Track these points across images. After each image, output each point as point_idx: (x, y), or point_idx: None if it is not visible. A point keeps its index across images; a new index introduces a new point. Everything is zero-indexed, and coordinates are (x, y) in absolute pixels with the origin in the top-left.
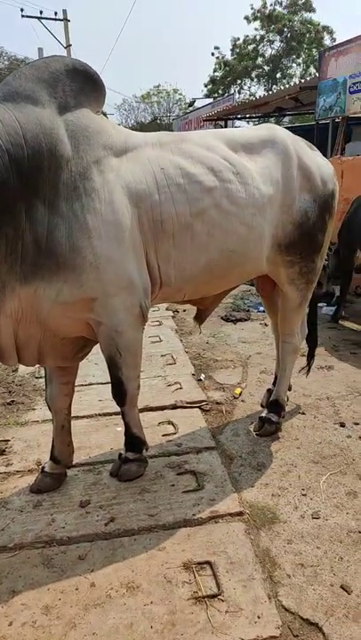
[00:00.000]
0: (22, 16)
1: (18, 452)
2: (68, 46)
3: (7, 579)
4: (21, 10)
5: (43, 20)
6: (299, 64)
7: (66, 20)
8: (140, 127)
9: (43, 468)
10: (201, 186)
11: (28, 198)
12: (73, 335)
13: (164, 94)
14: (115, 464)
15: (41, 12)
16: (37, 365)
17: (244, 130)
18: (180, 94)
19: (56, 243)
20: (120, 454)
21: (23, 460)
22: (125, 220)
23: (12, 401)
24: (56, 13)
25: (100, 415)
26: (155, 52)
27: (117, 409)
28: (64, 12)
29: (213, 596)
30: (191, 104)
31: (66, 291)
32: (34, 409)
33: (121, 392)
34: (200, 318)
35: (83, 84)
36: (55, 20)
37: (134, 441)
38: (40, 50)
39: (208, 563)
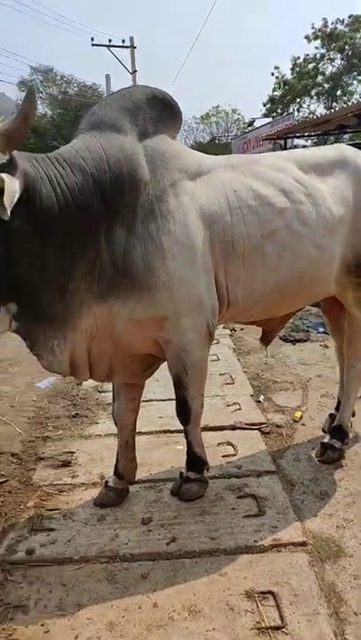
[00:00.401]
0: (92, 45)
1: (82, 465)
2: (133, 72)
3: (73, 591)
4: (92, 39)
5: (111, 48)
6: (360, 81)
7: (132, 46)
8: (199, 147)
9: (107, 482)
10: (272, 207)
11: (108, 220)
12: (142, 352)
13: (222, 114)
14: (176, 483)
15: (110, 41)
16: (102, 381)
17: (314, 150)
18: (239, 114)
19: (132, 263)
20: (181, 473)
21: (87, 473)
22: (198, 241)
23: (77, 414)
24: (123, 41)
25: (160, 432)
26: (215, 74)
27: (178, 426)
28: (131, 39)
29: (277, 628)
30: (251, 124)
31: (139, 309)
32: (97, 422)
33: (185, 411)
34: (266, 340)
35: (161, 112)
36: (122, 47)
37: (196, 461)
38: (107, 76)
39: (271, 593)
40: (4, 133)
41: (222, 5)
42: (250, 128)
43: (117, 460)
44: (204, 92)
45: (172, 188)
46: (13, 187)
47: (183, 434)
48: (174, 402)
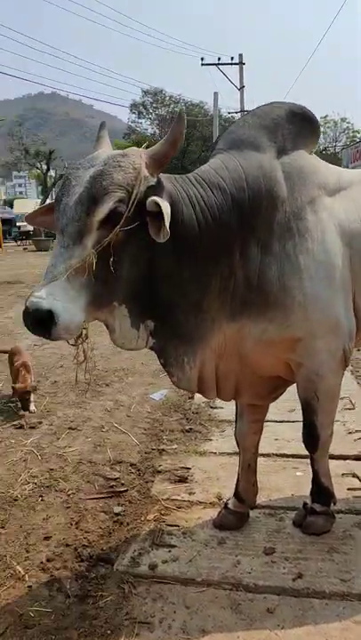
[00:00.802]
0: (202, 64)
1: (199, 482)
2: (241, 87)
3: (197, 615)
4: (202, 59)
5: (220, 66)
6: None
7: (241, 63)
8: None
9: (226, 504)
10: None
11: (244, 238)
12: (271, 374)
13: (331, 124)
14: (299, 513)
15: (219, 59)
16: (228, 400)
17: None
18: (348, 122)
19: (267, 282)
20: (305, 504)
21: (205, 492)
22: (337, 259)
23: (190, 429)
24: (232, 58)
25: (276, 455)
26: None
27: (295, 451)
28: (240, 56)
29: None
30: None
31: (271, 330)
32: (210, 439)
33: (313, 438)
34: None
35: (300, 128)
36: (231, 64)
37: (323, 492)
38: (215, 94)
39: None
40: (152, 156)
41: (337, 23)
42: None
43: (238, 481)
44: (312, 102)
45: (310, 204)
46: (168, 209)
47: (301, 459)
48: (291, 424)
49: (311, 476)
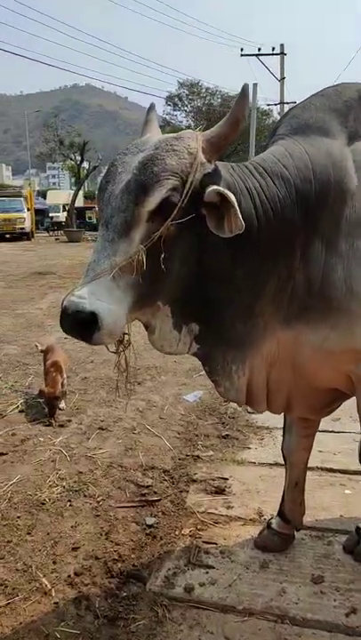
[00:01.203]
0: (242, 55)
1: (237, 495)
2: (282, 79)
3: None
4: (241, 49)
5: (260, 57)
6: None
7: (283, 53)
8: None
9: (270, 523)
10: None
11: (307, 235)
12: (328, 386)
13: None
14: (350, 539)
15: (259, 50)
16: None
17: None
18: None
19: (331, 285)
20: (358, 528)
21: (244, 506)
22: None
23: (227, 435)
24: (273, 48)
25: (321, 470)
26: None
27: (342, 466)
28: (281, 46)
29: None
30: None
31: (333, 338)
32: (248, 447)
33: None
34: None
35: None
36: (272, 54)
37: None
38: (255, 85)
39: None
40: (209, 139)
41: None
42: None
43: (283, 500)
44: None
45: None
46: (233, 199)
47: (350, 475)
48: (336, 435)
49: None
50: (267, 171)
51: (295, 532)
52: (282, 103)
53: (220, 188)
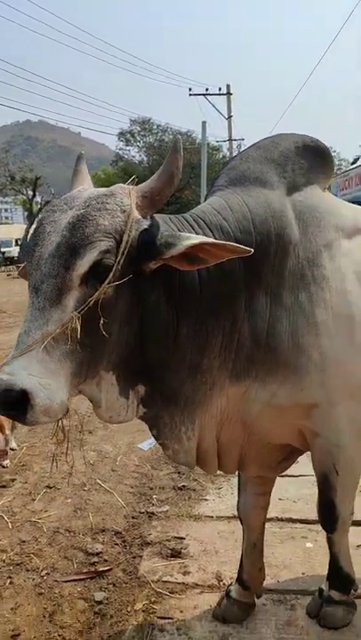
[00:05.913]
0: (190, 95)
1: (194, 557)
2: (229, 117)
3: None
4: (189, 89)
5: (208, 96)
6: None
7: (229, 93)
8: None
9: (228, 591)
10: None
11: (250, 287)
12: (281, 442)
13: None
14: (313, 602)
15: (207, 90)
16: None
17: None
18: (334, 151)
19: (277, 338)
20: (321, 590)
21: (201, 570)
22: (358, 312)
23: (183, 486)
24: (220, 89)
25: (281, 520)
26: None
27: (303, 515)
28: (227, 86)
29: None
30: (355, 161)
31: (282, 393)
32: (206, 499)
33: (331, 516)
34: None
35: (312, 161)
36: (219, 94)
37: (342, 577)
38: (203, 123)
39: None
40: (144, 195)
41: (326, 61)
42: (353, 166)
43: (241, 565)
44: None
45: (326, 249)
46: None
47: (310, 525)
48: (294, 480)
49: (324, 547)
50: (206, 222)
51: (256, 599)
52: (230, 140)
53: (197, 241)
